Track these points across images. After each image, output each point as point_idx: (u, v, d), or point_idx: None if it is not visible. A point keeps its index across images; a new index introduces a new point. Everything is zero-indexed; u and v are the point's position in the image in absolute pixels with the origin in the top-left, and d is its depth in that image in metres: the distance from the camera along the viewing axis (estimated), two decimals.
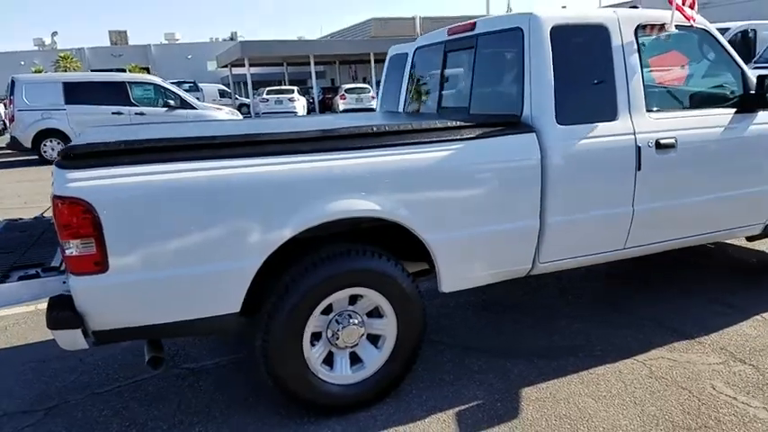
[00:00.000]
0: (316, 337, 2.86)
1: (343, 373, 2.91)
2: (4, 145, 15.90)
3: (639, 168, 3.33)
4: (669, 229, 3.61)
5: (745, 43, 10.42)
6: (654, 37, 3.49)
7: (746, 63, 3.91)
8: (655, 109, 3.43)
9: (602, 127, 3.27)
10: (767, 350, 3.40)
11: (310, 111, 29.85)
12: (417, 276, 3.12)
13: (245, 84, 36.34)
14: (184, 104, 15.08)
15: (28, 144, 14.13)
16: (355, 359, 2.96)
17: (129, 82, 14.83)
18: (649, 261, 4.75)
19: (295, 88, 29.09)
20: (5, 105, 14.33)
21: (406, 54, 4.91)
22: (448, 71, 4.15)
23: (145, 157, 2.45)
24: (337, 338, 2.87)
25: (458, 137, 2.96)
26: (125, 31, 58.70)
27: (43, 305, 4.32)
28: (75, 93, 14.05)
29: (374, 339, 2.99)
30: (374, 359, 2.96)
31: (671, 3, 3.44)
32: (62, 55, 39.92)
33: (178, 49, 54.51)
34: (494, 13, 24.71)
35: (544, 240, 3.22)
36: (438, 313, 4.10)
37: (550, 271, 3.42)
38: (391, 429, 2.81)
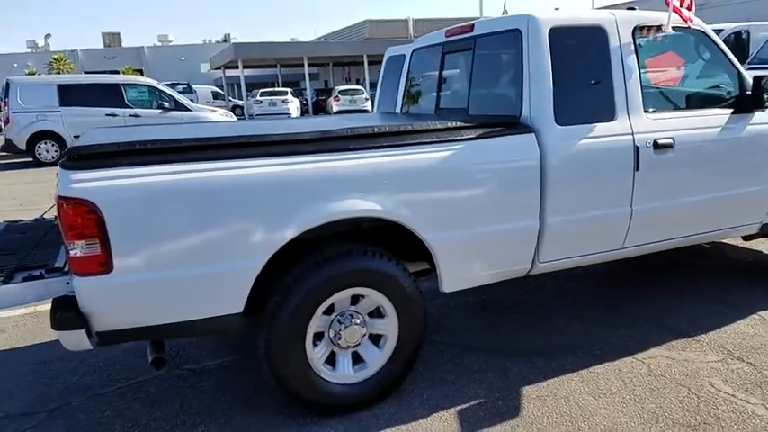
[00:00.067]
0: (318, 337, 2.88)
1: (345, 373, 2.93)
2: None
3: (638, 168, 3.36)
4: (667, 229, 3.65)
5: (738, 44, 10.49)
6: (651, 38, 3.52)
7: (740, 64, 3.95)
8: (652, 109, 3.46)
9: (601, 127, 3.30)
10: (764, 348, 3.43)
11: (304, 112, 29.84)
12: (417, 276, 3.14)
13: (239, 85, 36.29)
14: (179, 106, 15.07)
15: (22, 146, 14.08)
16: (357, 359, 2.98)
17: (123, 84, 14.81)
18: (646, 261, 4.78)
19: (289, 90, 29.08)
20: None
21: (404, 56, 4.93)
22: (446, 72, 4.18)
23: (149, 158, 2.46)
24: (339, 338, 2.88)
25: (458, 137, 2.98)
26: (118, 33, 58.68)
27: (43, 307, 4.38)
28: (70, 95, 14.01)
29: (376, 339, 3.00)
30: (376, 359, 2.98)
31: (668, 4, 3.48)
32: (55, 57, 39.79)
33: (171, 51, 54.34)
34: (487, 15, 24.77)
35: (543, 240, 3.25)
36: (438, 313, 4.12)
37: (549, 271, 3.45)
38: (393, 428, 2.83)
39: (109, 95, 14.31)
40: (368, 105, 26.55)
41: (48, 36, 55.12)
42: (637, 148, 3.35)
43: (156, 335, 2.62)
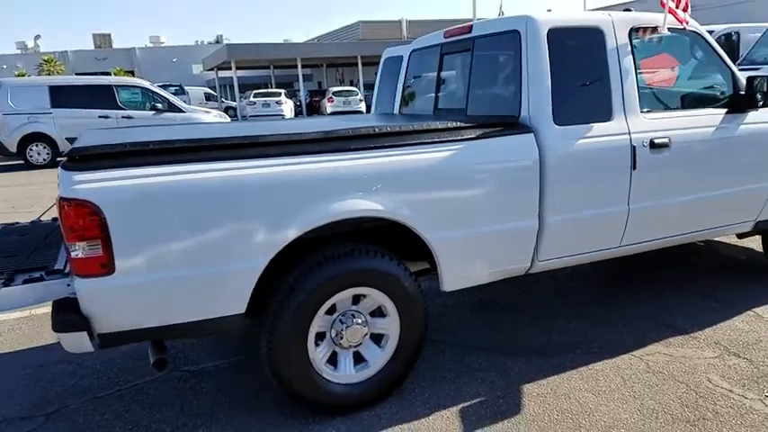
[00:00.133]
0: (320, 337, 2.88)
1: (347, 373, 2.93)
2: None
3: (635, 168, 3.39)
4: (663, 228, 3.68)
5: (728, 46, 10.57)
6: (647, 39, 3.55)
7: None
8: (649, 109, 3.49)
9: (598, 127, 3.32)
10: (760, 344, 3.47)
11: (298, 114, 29.80)
12: (417, 276, 3.15)
13: (232, 87, 36.22)
14: (172, 108, 15.03)
15: (13, 148, 14.00)
16: (359, 359, 2.99)
17: (115, 85, 14.76)
18: (641, 260, 4.81)
19: (282, 91, 29.06)
20: None
21: (401, 56, 4.94)
22: (444, 73, 4.20)
23: (152, 159, 2.46)
24: (341, 338, 2.89)
25: (459, 137, 3.00)
26: (109, 35, 58.32)
27: (38, 310, 4.37)
28: (62, 96, 13.95)
29: (377, 339, 3.01)
30: (377, 358, 2.99)
31: (663, 6, 3.51)
32: (45, 58, 39.56)
33: (163, 53, 54.13)
34: (480, 16, 24.85)
35: (543, 239, 3.27)
36: (437, 312, 4.13)
37: (548, 269, 3.47)
38: (396, 428, 2.83)
39: (101, 97, 14.26)
40: (362, 107, 26.55)
41: (37, 37, 54.74)
42: (633, 148, 3.38)
43: (157, 336, 2.61)
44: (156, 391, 3.26)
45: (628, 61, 3.42)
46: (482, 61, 3.72)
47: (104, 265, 2.38)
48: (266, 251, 2.60)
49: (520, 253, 3.28)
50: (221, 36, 61.11)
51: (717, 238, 5.04)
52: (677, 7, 3.54)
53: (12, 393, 3.30)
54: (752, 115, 3.77)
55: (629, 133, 3.38)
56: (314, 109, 31.42)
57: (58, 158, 14.29)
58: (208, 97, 34.83)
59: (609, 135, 3.33)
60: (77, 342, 2.45)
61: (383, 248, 2.94)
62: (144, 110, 14.74)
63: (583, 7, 31.92)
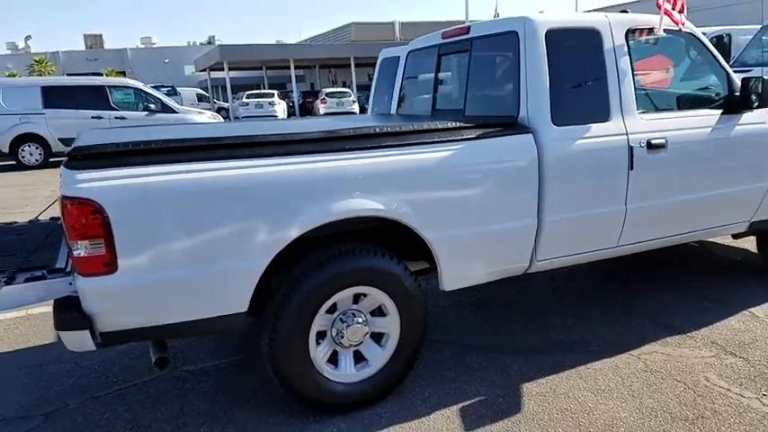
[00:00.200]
0: (320, 336, 2.89)
1: (347, 372, 2.94)
2: None
3: (632, 168, 3.42)
4: (660, 228, 3.71)
5: (720, 48, 10.66)
6: (644, 41, 3.59)
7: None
8: (645, 110, 3.52)
9: (596, 128, 3.35)
10: (756, 343, 3.50)
11: (290, 115, 29.79)
12: (416, 275, 3.16)
13: (224, 88, 36.17)
14: (165, 109, 15.00)
15: (5, 149, 13.92)
16: (359, 358, 3.00)
17: (108, 86, 14.70)
18: (637, 260, 4.85)
19: (275, 92, 29.05)
20: None
21: (398, 57, 4.96)
22: (442, 74, 4.21)
23: (154, 157, 2.46)
24: (342, 337, 2.90)
25: (459, 137, 3.01)
26: (100, 35, 58.12)
27: (35, 310, 4.35)
28: (54, 97, 13.89)
29: (377, 338, 3.02)
30: (378, 357, 2.99)
31: (659, 7, 3.54)
32: (37, 59, 39.39)
33: (155, 53, 54.03)
34: (472, 18, 24.93)
35: (541, 238, 3.29)
36: (435, 312, 4.14)
37: (546, 269, 3.49)
38: (396, 426, 2.84)
39: (94, 98, 14.21)
40: (355, 108, 26.59)
41: (28, 38, 54.51)
42: (631, 148, 3.40)
43: (160, 335, 2.61)
44: (156, 390, 3.25)
45: (625, 62, 3.45)
46: (480, 62, 3.74)
47: (107, 264, 2.38)
48: (268, 250, 2.61)
49: (519, 252, 3.30)
50: (213, 37, 61.05)
51: (712, 239, 5.07)
52: (673, 9, 3.58)
53: (10, 393, 3.28)
54: (747, 116, 3.81)
55: (627, 134, 3.40)
56: (307, 110, 31.43)
57: (51, 159, 14.24)
58: (200, 98, 34.76)
59: (606, 135, 3.36)
60: (79, 340, 2.44)
61: (383, 248, 2.95)
62: (137, 111, 14.70)
63: (575, 9, 32.10)
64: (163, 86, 30.25)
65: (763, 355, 3.37)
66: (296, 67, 33.81)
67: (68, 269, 2.63)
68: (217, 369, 3.48)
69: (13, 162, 14.13)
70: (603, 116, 3.38)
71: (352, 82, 34.34)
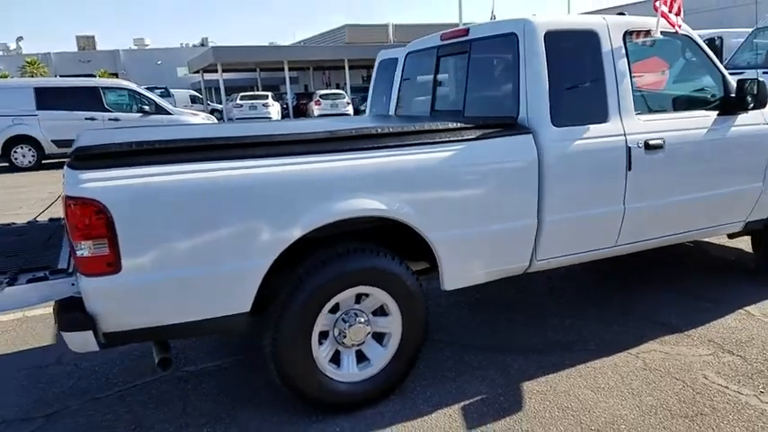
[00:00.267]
0: (323, 335, 2.90)
1: (350, 371, 2.95)
2: None
3: (630, 168, 3.45)
4: (658, 227, 3.74)
5: (712, 51, 10.77)
6: (641, 43, 3.62)
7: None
8: (643, 111, 3.55)
9: (594, 129, 3.37)
10: (752, 341, 3.54)
11: (284, 116, 29.77)
12: (417, 275, 3.18)
13: (217, 89, 36.09)
14: (159, 110, 14.96)
15: None
16: (361, 357, 3.01)
17: (102, 87, 14.66)
18: (633, 260, 4.88)
19: (269, 93, 29.04)
20: None
21: (396, 59, 4.99)
22: (440, 75, 4.24)
23: (158, 157, 2.46)
24: (344, 337, 2.91)
25: (460, 138, 3.03)
26: (93, 36, 57.85)
27: (31, 312, 4.34)
28: (48, 98, 13.82)
29: (379, 337, 3.04)
30: (380, 357, 3.01)
31: (656, 10, 3.58)
32: (29, 60, 39.21)
33: (147, 55, 53.88)
34: (466, 21, 25.01)
35: (541, 238, 3.31)
36: (435, 312, 4.15)
37: (546, 269, 3.51)
38: (399, 425, 2.86)
39: (87, 99, 14.16)
40: (349, 109, 26.60)
41: (20, 39, 54.21)
42: (629, 149, 3.43)
43: (163, 335, 2.62)
44: (157, 391, 3.25)
45: (622, 64, 3.49)
46: (479, 63, 3.77)
47: (111, 264, 2.38)
48: (272, 250, 2.62)
49: (519, 252, 3.32)
50: (206, 39, 60.95)
51: (707, 239, 5.11)
52: (670, 11, 3.61)
53: (9, 395, 3.27)
54: (741, 117, 3.85)
55: (625, 134, 3.43)
56: (301, 112, 31.42)
57: (44, 161, 14.17)
58: (193, 100, 34.71)
59: (605, 136, 3.39)
60: (83, 341, 2.44)
61: (385, 248, 2.97)
62: (131, 112, 14.66)
63: (567, 12, 32.26)
64: (156, 88, 30.18)
65: (760, 352, 3.41)
66: (290, 69, 33.78)
67: (71, 270, 2.63)
68: (218, 369, 3.48)
69: (6, 164, 14.04)
70: (602, 117, 3.41)
71: (346, 84, 34.35)
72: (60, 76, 36.86)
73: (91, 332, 2.42)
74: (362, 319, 2.93)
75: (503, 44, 3.49)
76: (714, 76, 3.91)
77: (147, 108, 14.75)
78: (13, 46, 52.49)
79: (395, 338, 3.02)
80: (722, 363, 3.31)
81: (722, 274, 4.68)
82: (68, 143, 14.17)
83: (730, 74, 4.04)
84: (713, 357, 3.38)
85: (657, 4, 3.53)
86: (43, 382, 3.40)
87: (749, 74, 7.60)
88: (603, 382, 3.17)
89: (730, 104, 3.84)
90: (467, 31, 3.85)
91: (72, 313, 2.43)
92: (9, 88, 14.33)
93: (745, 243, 5.02)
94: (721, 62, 10.20)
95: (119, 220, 2.36)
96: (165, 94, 29.88)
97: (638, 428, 2.76)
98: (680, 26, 3.68)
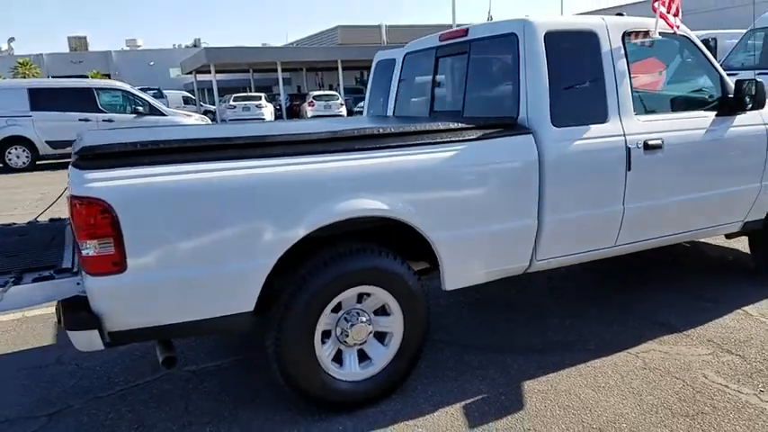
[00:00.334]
0: (325, 335, 2.90)
1: (352, 371, 2.96)
2: None
3: (629, 168, 3.47)
4: (657, 228, 3.77)
5: None
6: (639, 43, 3.65)
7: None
8: (642, 111, 3.58)
9: (594, 129, 3.40)
10: (751, 341, 3.57)
11: (277, 117, 29.73)
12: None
13: (210, 90, 36.02)
14: (153, 111, 14.92)
15: None
16: (363, 357, 3.02)
17: (96, 88, 14.62)
18: (632, 260, 4.92)
19: (262, 95, 29.00)
20: None
21: (394, 60, 5.00)
22: (439, 76, 4.25)
23: (163, 157, 2.47)
24: (346, 336, 2.91)
25: (461, 138, 3.05)
26: (84, 37, 57.63)
27: (30, 312, 4.32)
28: (41, 99, 13.76)
29: (381, 337, 3.04)
30: (382, 356, 3.02)
31: (655, 11, 3.61)
32: (21, 61, 39.00)
33: (140, 56, 53.69)
34: (459, 22, 25.07)
35: (541, 238, 3.33)
36: (435, 312, 4.16)
37: (546, 269, 3.53)
38: (401, 424, 2.87)
39: (81, 100, 14.11)
40: (342, 111, 26.59)
41: (11, 40, 53.92)
42: (628, 149, 3.46)
43: (168, 334, 2.61)
44: (159, 390, 3.25)
45: (622, 64, 3.51)
46: (479, 64, 3.79)
47: (116, 263, 2.39)
48: (275, 250, 2.62)
49: (519, 252, 3.34)
50: (199, 40, 60.78)
51: (705, 240, 5.15)
52: (668, 12, 3.64)
53: (11, 394, 3.26)
54: (740, 118, 3.89)
55: (624, 135, 3.46)
56: (294, 113, 31.36)
57: (38, 162, 14.10)
58: (186, 101, 34.58)
59: (604, 136, 3.41)
60: (88, 340, 2.44)
61: (386, 248, 2.98)
62: (125, 113, 14.62)
63: (560, 12, 32.35)
64: (149, 89, 30.08)
65: (759, 352, 3.44)
66: (283, 70, 33.74)
67: (75, 269, 2.63)
68: (218, 369, 3.48)
69: (0, 165, 13.97)
70: (601, 117, 3.43)
71: (339, 85, 34.34)
72: (52, 76, 36.69)
73: (96, 331, 2.42)
74: (364, 319, 2.94)
75: (503, 44, 3.51)
76: (712, 77, 3.94)
77: (140, 109, 14.71)
78: (4, 47, 52.23)
79: (396, 338, 3.03)
80: (721, 362, 3.34)
81: (720, 275, 4.72)
82: (63, 144, 14.15)
83: None
84: (712, 357, 3.40)
85: (656, 4, 3.56)
86: (45, 381, 3.40)
87: (743, 75, 7.67)
88: (604, 381, 3.19)
89: (728, 105, 3.87)
90: (466, 32, 3.87)
91: (77, 312, 2.43)
92: (2, 89, 14.28)
93: (741, 243, 5.07)
94: None
95: (124, 219, 2.36)
96: (158, 95, 29.77)
97: (639, 427, 2.78)
98: (678, 27, 3.72)
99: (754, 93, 3.77)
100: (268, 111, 26.79)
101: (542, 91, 3.28)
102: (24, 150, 13.86)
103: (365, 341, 2.99)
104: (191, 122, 14.84)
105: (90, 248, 2.35)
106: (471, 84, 3.83)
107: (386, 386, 3.04)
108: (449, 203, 3.02)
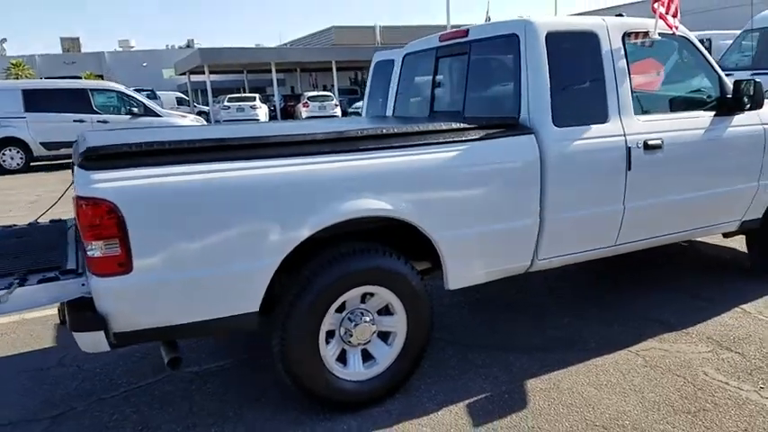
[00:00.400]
0: (330, 335, 2.91)
1: (356, 370, 2.97)
2: None
3: (629, 168, 3.49)
4: (656, 226, 3.79)
5: None
6: (639, 44, 3.67)
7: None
8: (642, 111, 3.60)
9: (595, 129, 3.42)
10: (749, 338, 3.60)
11: (272, 118, 29.69)
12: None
13: (203, 91, 35.93)
14: (148, 112, 14.88)
15: None
16: (367, 356, 3.03)
17: (91, 89, 14.57)
18: (630, 260, 4.94)
19: (257, 95, 28.96)
20: None
21: (392, 60, 5.02)
22: (439, 76, 4.27)
23: (169, 158, 2.47)
24: (350, 336, 2.92)
25: (464, 138, 3.06)
26: (77, 38, 57.42)
27: (29, 315, 4.30)
28: (36, 100, 13.71)
29: (385, 336, 3.06)
30: (385, 356, 3.03)
31: (654, 12, 3.63)
32: (14, 62, 38.79)
33: (133, 57, 53.49)
34: (455, 23, 25.12)
35: (543, 238, 3.35)
36: (436, 312, 4.15)
37: (547, 268, 3.55)
38: (405, 423, 2.88)
39: (76, 101, 14.06)
40: (337, 111, 26.59)
41: (3, 41, 53.71)
42: (629, 149, 3.48)
43: (173, 335, 2.61)
44: (162, 392, 3.25)
45: (622, 64, 3.54)
46: (480, 64, 3.80)
47: (122, 264, 2.39)
48: (280, 250, 2.63)
49: (521, 251, 3.36)
50: (192, 41, 60.60)
51: (700, 239, 5.19)
52: (667, 13, 3.67)
53: (13, 397, 3.25)
54: (738, 118, 3.92)
55: (624, 135, 3.48)
56: (288, 114, 31.34)
57: (32, 163, 14.03)
58: (180, 102, 34.50)
59: (605, 136, 3.43)
60: (93, 341, 2.44)
61: (389, 248, 2.99)
62: (119, 114, 14.58)
63: (554, 13, 32.46)
64: (143, 90, 29.97)
65: (758, 349, 3.47)
66: (276, 71, 33.68)
67: (80, 270, 2.63)
68: (221, 370, 3.48)
69: None
70: (602, 117, 3.46)
71: (333, 85, 34.33)
72: (46, 77, 36.51)
73: (102, 332, 2.42)
74: (368, 319, 2.95)
75: (504, 45, 3.53)
76: (711, 77, 3.97)
77: (135, 110, 14.67)
78: None
79: (400, 337, 3.04)
80: (721, 359, 3.37)
81: (717, 274, 4.76)
82: (57, 145, 14.08)
83: None
84: (712, 354, 3.43)
85: (656, 5, 3.59)
86: (47, 383, 3.39)
87: (738, 75, 7.72)
88: (605, 379, 3.21)
89: (727, 105, 3.90)
90: (466, 33, 3.89)
91: (83, 314, 2.43)
92: None
93: (737, 242, 5.11)
94: None
95: (130, 220, 2.36)
96: (152, 95, 29.66)
97: (642, 424, 2.80)
98: (677, 27, 3.74)
99: (752, 93, 3.81)
100: (262, 112, 26.74)
101: (544, 91, 3.30)
102: (18, 152, 13.79)
103: (369, 341, 3.00)
104: (186, 123, 14.80)
105: (96, 249, 2.35)
106: (472, 84, 3.84)
107: (390, 385, 3.05)
108: (452, 203, 3.04)
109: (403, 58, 4.73)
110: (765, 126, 4.01)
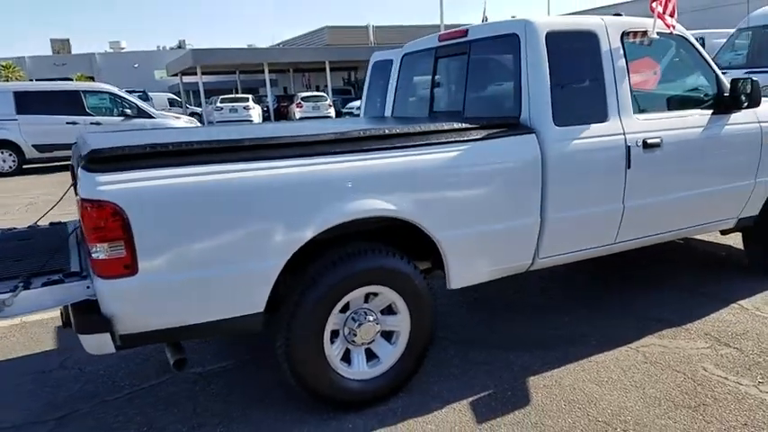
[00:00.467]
0: (334, 334, 2.92)
1: (360, 369, 2.98)
2: None
3: (629, 166, 3.52)
4: (655, 224, 3.82)
5: None
6: (637, 43, 3.70)
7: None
8: (641, 110, 3.63)
9: (595, 128, 3.45)
10: (747, 334, 3.64)
11: (265, 119, 29.63)
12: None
13: (196, 92, 35.83)
14: (141, 113, 14.82)
15: None
16: (371, 356, 3.04)
17: (83, 91, 14.50)
18: (628, 258, 4.97)
19: (250, 96, 28.88)
20: None
21: (391, 60, 5.03)
22: (438, 76, 4.29)
23: (172, 160, 2.47)
24: (354, 335, 2.94)
25: (466, 138, 3.08)
26: (67, 40, 57.12)
27: (29, 318, 4.29)
28: (28, 102, 13.62)
29: (388, 336, 3.07)
30: (389, 355, 3.04)
31: (653, 11, 3.67)
32: (4, 64, 38.52)
33: (124, 58, 53.28)
34: (447, 23, 25.17)
35: (544, 236, 3.37)
36: (438, 311, 4.18)
37: (548, 266, 3.57)
38: (410, 421, 2.89)
39: (68, 103, 13.99)
40: (331, 112, 26.57)
41: None
42: (628, 148, 3.51)
43: (179, 336, 2.62)
44: (166, 393, 3.25)
45: (621, 64, 3.57)
46: (479, 64, 3.82)
47: (127, 266, 2.39)
48: (285, 250, 2.64)
49: (522, 250, 3.38)
50: (184, 41, 60.41)
51: (699, 236, 5.23)
52: (665, 12, 3.71)
53: (17, 399, 3.25)
54: (735, 116, 3.95)
55: (624, 133, 3.51)
56: (282, 114, 31.28)
57: (25, 166, 13.95)
58: (171, 103, 34.36)
59: (605, 135, 3.46)
60: (99, 343, 2.45)
61: (392, 248, 3.00)
62: (112, 116, 14.52)
63: (547, 13, 32.57)
64: (135, 91, 29.83)
65: (756, 344, 3.51)
66: (269, 72, 33.63)
67: (84, 273, 2.63)
68: (224, 370, 3.49)
69: None
70: (602, 116, 3.48)
71: (327, 86, 34.31)
72: (36, 79, 36.30)
73: (108, 334, 2.43)
74: (372, 318, 2.97)
75: (504, 45, 3.55)
76: (708, 76, 4.01)
77: (128, 111, 14.61)
78: None
79: (403, 336, 3.06)
80: (720, 355, 3.41)
81: (714, 271, 4.80)
82: (50, 148, 14.00)
83: None
84: (711, 350, 3.47)
85: (654, 5, 3.62)
86: (50, 386, 3.38)
87: (732, 74, 7.78)
88: (606, 375, 3.24)
89: (724, 103, 3.93)
90: (466, 32, 3.90)
91: (89, 316, 2.43)
92: None
93: (733, 239, 5.16)
94: None
95: (135, 221, 2.36)
96: (144, 97, 29.53)
97: (644, 419, 2.83)
98: (674, 27, 3.78)
99: (749, 91, 3.84)
100: (256, 112, 26.69)
101: (544, 90, 3.32)
102: (11, 155, 13.71)
103: (373, 340, 3.02)
104: (180, 125, 14.76)
105: (101, 251, 2.36)
106: (472, 84, 3.86)
107: (394, 384, 3.07)
108: (454, 203, 3.06)
109: (402, 59, 4.74)
110: (762, 124, 4.05)
